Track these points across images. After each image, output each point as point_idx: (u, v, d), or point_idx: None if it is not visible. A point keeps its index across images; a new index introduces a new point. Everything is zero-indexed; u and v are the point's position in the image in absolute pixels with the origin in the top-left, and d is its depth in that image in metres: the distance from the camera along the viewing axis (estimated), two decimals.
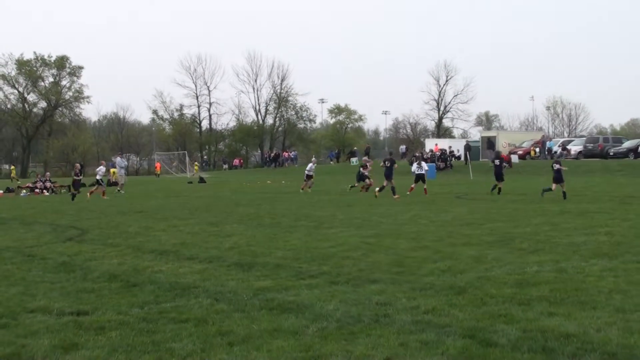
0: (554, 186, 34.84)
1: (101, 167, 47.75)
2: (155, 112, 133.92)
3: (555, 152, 72.22)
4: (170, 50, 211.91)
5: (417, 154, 50.03)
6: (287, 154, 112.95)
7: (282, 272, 13.89)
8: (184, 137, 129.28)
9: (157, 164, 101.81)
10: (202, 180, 72.05)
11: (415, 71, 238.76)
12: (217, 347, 8.55)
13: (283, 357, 8.11)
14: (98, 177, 45.82)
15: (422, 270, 13.65)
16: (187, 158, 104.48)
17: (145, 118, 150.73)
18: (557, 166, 35.20)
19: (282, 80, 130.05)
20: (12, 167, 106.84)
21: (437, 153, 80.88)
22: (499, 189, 38.45)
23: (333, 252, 16.45)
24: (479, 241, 17.90)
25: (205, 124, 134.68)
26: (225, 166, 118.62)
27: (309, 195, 41.96)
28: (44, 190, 53.71)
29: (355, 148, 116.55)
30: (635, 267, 13.39)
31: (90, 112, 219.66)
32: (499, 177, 39.13)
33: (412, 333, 8.92)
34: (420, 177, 40.07)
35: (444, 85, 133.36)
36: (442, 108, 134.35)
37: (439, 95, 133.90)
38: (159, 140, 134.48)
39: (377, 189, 38.84)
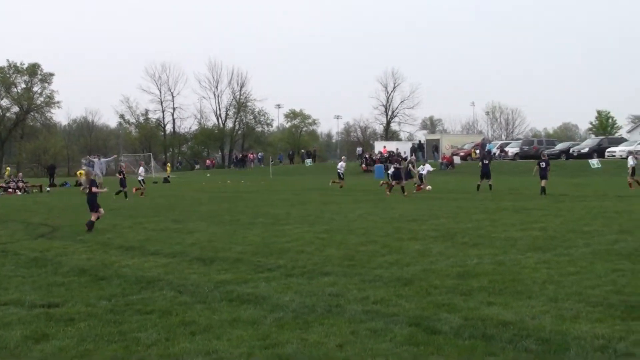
0: (481, 181, 35.65)
1: (141, 167, 47.34)
2: (122, 116, 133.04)
3: (494, 153, 72.73)
4: (137, 57, 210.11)
5: (412, 158, 50.05)
6: (252, 155, 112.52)
7: (241, 266, 13.86)
8: (149, 140, 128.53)
9: (123, 165, 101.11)
10: (166, 180, 71.59)
11: (365, 78, 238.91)
12: (180, 337, 8.51)
13: (242, 345, 8.09)
14: (140, 177, 45.42)
15: (372, 264, 13.69)
16: (152, 160, 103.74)
17: (112, 122, 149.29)
18: (486, 162, 36.28)
19: (242, 86, 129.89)
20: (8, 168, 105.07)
21: (385, 155, 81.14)
22: (490, 185, 38.73)
23: (288, 247, 16.44)
24: (424, 236, 17.98)
25: (169, 128, 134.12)
26: (197, 166, 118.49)
27: (274, 193, 41.91)
28: (17, 190, 53.04)
29: (314, 149, 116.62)
30: (567, 260, 13.53)
31: (61, 116, 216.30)
32: (487, 175, 39.46)
33: (362, 322, 8.94)
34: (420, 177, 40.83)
35: (392, 91, 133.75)
36: (389, 113, 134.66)
37: (387, 101, 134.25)
38: (126, 143, 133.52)
39: (388, 190, 38.69)
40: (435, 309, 9.57)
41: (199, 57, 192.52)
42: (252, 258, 14.90)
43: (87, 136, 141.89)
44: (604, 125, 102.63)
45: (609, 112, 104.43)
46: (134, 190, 43.33)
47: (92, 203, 22.18)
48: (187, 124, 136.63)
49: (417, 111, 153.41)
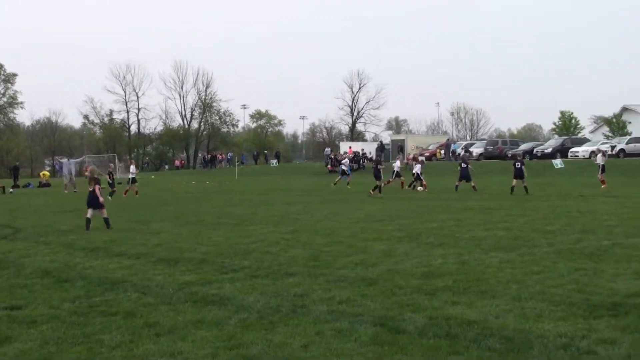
0: (459, 182, 36.01)
1: (132, 166, 46.91)
2: (86, 117, 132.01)
3: (459, 153, 73.04)
4: (101, 58, 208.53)
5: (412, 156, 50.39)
6: (221, 156, 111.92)
7: (206, 266, 13.82)
8: (114, 140, 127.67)
9: (87, 167, 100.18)
10: (134, 180, 71.02)
11: (331, 79, 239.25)
12: (145, 338, 8.46)
13: (207, 346, 8.07)
14: (131, 175, 44.95)
15: (337, 264, 13.70)
16: (116, 160, 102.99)
17: (76, 123, 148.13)
18: (464, 165, 36.52)
19: (207, 87, 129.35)
20: None
21: (351, 155, 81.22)
22: (473, 187, 38.98)
23: (253, 248, 16.41)
24: (389, 236, 18.03)
25: (134, 128, 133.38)
26: (167, 167, 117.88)
27: (254, 195, 41.82)
28: None
29: (278, 149, 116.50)
30: (531, 259, 13.62)
31: (24, 117, 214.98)
32: (467, 178, 39.64)
33: (327, 322, 8.95)
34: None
35: (357, 92, 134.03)
36: (355, 113, 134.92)
37: (353, 101, 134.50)
38: (90, 144, 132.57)
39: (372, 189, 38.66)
40: (399, 309, 9.59)
41: (164, 57, 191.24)
42: (216, 259, 14.85)
43: (51, 137, 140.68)
44: (567, 125, 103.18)
45: (572, 113, 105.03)
46: (125, 193, 42.80)
47: (93, 201, 22.10)
48: (152, 125, 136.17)
49: (382, 112, 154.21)
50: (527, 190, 34.71)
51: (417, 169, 42.03)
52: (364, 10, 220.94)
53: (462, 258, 14.06)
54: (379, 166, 39.21)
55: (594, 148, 67.89)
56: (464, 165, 40.09)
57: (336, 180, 47.54)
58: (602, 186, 38.06)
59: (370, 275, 12.27)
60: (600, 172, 39.24)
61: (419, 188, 41.11)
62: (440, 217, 22.84)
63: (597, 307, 9.38)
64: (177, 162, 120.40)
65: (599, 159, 39.96)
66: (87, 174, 22.81)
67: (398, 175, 44.29)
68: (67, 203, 37.18)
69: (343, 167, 48.28)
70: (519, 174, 35.55)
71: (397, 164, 45.75)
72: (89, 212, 22.06)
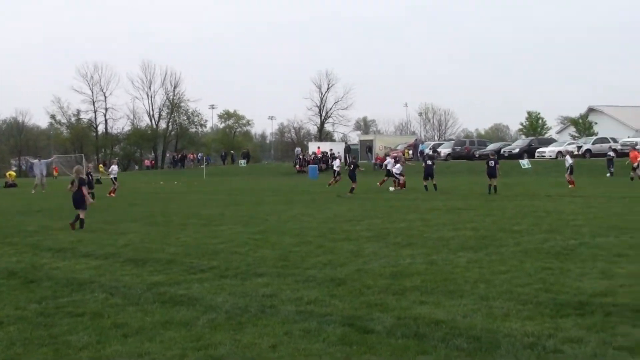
0: (425, 182, 36.40)
1: (114, 166, 46.34)
2: (53, 117, 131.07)
3: (427, 154, 73.33)
4: (69, 57, 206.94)
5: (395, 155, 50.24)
6: (193, 155, 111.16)
7: (174, 267, 13.77)
8: (81, 140, 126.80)
9: (56, 168, 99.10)
10: (98, 181, 70.61)
11: (300, 79, 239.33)
12: (112, 339, 8.42)
13: (175, 347, 8.04)
14: (112, 176, 44.40)
15: (305, 264, 13.71)
16: (83, 161, 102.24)
17: (43, 122, 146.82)
18: (429, 162, 37.04)
19: (175, 87, 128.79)
20: None
21: (319, 155, 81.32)
22: (435, 185, 39.23)
23: (222, 248, 16.38)
24: (358, 236, 18.06)
25: (101, 128, 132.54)
26: (137, 167, 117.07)
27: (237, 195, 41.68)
28: None
29: (246, 150, 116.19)
30: (498, 259, 13.71)
31: None
32: (432, 175, 39.84)
33: (295, 322, 8.95)
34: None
35: (326, 92, 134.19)
36: (323, 113, 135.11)
37: (321, 101, 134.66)
38: (57, 144, 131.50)
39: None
40: (368, 309, 9.61)
41: (132, 57, 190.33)
42: (185, 259, 14.81)
43: (17, 137, 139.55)
44: (534, 126, 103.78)
45: (538, 113, 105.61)
46: (111, 193, 42.43)
47: (79, 201, 22.22)
48: (120, 125, 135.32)
49: (350, 112, 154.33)
50: (495, 190, 34.95)
51: (396, 169, 41.88)
52: (333, 9, 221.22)
53: (430, 258, 14.12)
54: (357, 168, 39.58)
55: (561, 148, 68.47)
56: (429, 162, 40.25)
57: (331, 181, 46.89)
58: (570, 186, 38.41)
59: (339, 275, 12.28)
60: (569, 172, 39.51)
61: (391, 188, 41.17)
62: (408, 217, 22.91)
63: (564, 306, 9.45)
64: (147, 162, 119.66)
65: (569, 160, 40.25)
66: (73, 175, 22.98)
67: (338, 174, 45.50)
68: (34, 203, 36.87)
69: (336, 167, 47.49)
70: (492, 173, 35.80)
71: (336, 163, 46.56)
72: (82, 214, 22.13)
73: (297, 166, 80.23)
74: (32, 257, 15.72)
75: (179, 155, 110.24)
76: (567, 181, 39.38)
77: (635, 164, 45.14)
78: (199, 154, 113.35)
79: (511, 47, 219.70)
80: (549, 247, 15.16)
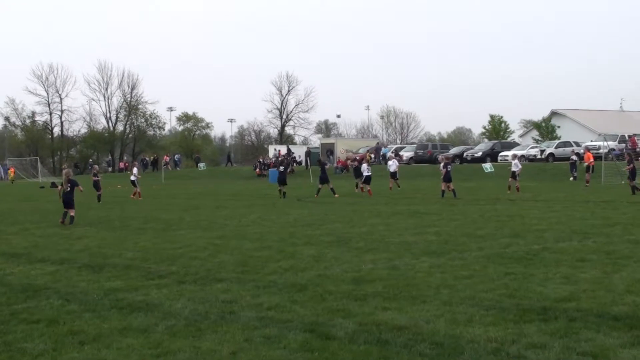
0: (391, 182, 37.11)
1: (135, 168, 45.38)
2: (7, 118, 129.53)
3: (388, 157, 73.56)
4: (23, 58, 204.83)
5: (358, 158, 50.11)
6: (167, 157, 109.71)
7: (132, 272, 13.70)
8: (36, 143, 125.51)
9: (11, 169, 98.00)
10: (54, 185, 69.99)
11: (259, 81, 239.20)
12: (69, 346, 8.36)
13: (133, 354, 8.00)
14: (133, 177, 43.76)
15: (266, 269, 13.70)
16: (39, 164, 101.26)
17: None
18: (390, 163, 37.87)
19: (132, 89, 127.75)
20: None
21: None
22: (398, 184, 40.59)
23: (181, 253, 16.32)
24: (319, 241, 18.07)
25: (57, 131, 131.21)
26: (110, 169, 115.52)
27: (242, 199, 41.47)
28: None
29: (197, 154, 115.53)
30: (461, 264, 13.79)
31: None
32: (394, 175, 41.78)
33: (256, 329, 8.94)
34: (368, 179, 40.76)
35: (286, 95, 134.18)
36: (284, 116, 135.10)
37: (282, 104, 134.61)
38: (11, 147, 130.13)
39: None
40: (330, 315, 9.63)
41: (88, 58, 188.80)
42: (143, 264, 14.74)
43: None
44: (497, 129, 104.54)
45: (501, 117, 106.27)
46: (135, 195, 42.08)
47: (69, 201, 24.93)
48: (76, 127, 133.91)
49: (311, 115, 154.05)
50: (454, 194, 35.20)
51: (366, 171, 41.79)
52: (294, 10, 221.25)
53: (393, 263, 14.17)
54: (325, 167, 40.19)
55: (523, 152, 69.03)
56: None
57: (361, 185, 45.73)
58: (508, 191, 39.14)
59: (300, 281, 12.29)
60: (512, 177, 39.77)
61: (358, 190, 41.35)
62: (370, 222, 22.98)
63: (527, 311, 9.53)
64: (121, 164, 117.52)
65: (518, 165, 40.63)
66: (63, 177, 25.81)
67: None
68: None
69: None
70: (447, 178, 36.12)
71: (364, 168, 46.31)
72: (72, 212, 24.72)
73: (257, 170, 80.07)
74: None
75: (152, 158, 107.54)
76: (508, 186, 39.40)
77: (587, 164, 45.57)
78: (176, 156, 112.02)
79: (473, 49, 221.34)
80: (512, 252, 15.27)
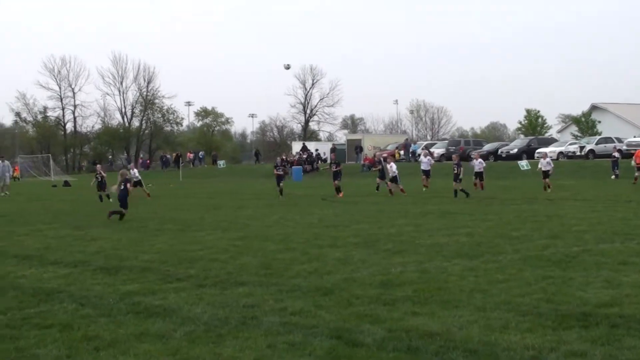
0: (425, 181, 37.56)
1: (135, 170, 45.48)
2: (18, 114, 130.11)
3: (419, 154, 73.40)
4: (34, 51, 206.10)
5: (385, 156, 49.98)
6: (190, 154, 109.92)
7: (149, 275, 13.74)
8: (48, 139, 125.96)
9: (16, 167, 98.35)
10: (66, 183, 70.43)
11: (282, 74, 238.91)
12: (83, 352, 8.40)
13: None
14: (137, 177, 43.92)
15: (290, 272, 13.70)
16: (51, 161, 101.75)
17: (7, 120, 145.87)
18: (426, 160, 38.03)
19: (149, 82, 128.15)
20: None
21: (304, 156, 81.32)
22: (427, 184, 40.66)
23: (200, 255, 16.35)
24: (345, 243, 18.06)
25: (70, 127, 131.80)
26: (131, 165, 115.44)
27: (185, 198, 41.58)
28: None
29: (214, 153, 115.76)
30: (495, 267, 13.73)
31: None
32: (427, 173, 42.50)
33: (279, 334, 8.94)
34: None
35: (310, 88, 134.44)
36: (308, 111, 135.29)
37: (305, 98, 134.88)
38: (22, 143, 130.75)
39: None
40: (357, 320, 9.61)
41: (102, 50, 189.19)
42: (160, 267, 14.78)
43: None
44: (533, 124, 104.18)
45: (538, 111, 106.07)
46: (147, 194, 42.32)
47: (124, 200, 26.72)
48: (90, 123, 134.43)
49: (337, 110, 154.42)
50: (467, 194, 35.34)
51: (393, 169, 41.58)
52: (317, 1, 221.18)
53: (423, 266, 14.12)
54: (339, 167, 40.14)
55: (562, 148, 68.65)
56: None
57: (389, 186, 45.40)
58: (476, 188, 39.81)
59: (326, 285, 12.28)
60: (475, 177, 39.88)
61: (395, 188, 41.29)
62: (398, 222, 22.93)
63: (566, 317, 9.47)
64: (141, 162, 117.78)
65: (479, 165, 40.68)
66: (118, 177, 27.56)
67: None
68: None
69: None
70: (456, 178, 36.75)
71: (393, 167, 45.94)
72: (124, 211, 26.39)
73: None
74: None
75: (174, 155, 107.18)
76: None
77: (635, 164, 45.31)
78: (200, 153, 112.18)
79: (509, 42, 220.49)
80: (550, 254, 15.19)
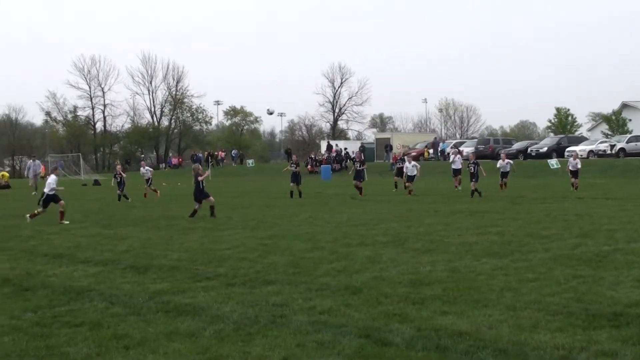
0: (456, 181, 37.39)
1: (147, 167, 45.67)
2: (48, 113, 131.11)
3: (448, 153, 73.19)
4: (64, 51, 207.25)
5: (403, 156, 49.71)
6: (222, 153, 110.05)
7: (178, 274, 13.78)
8: (78, 139, 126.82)
9: (43, 167, 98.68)
10: (96, 182, 70.76)
11: (310, 73, 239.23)
12: (113, 351, 8.43)
13: (179, 359, 8.05)
14: (149, 175, 44.18)
15: (318, 271, 13.70)
16: (81, 160, 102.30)
17: (38, 120, 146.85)
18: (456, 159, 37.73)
19: (178, 82, 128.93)
20: None
21: (333, 155, 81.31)
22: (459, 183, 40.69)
23: (229, 254, 16.38)
24: (374, 241, 18.04)
25: (99, 126, 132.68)
26: (162, 165, 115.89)
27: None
28: None
29: (242, 151, 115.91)
30: (525, 266, 13.67)
31: None
32: (458, 172, 42.04)
33: (308, 333, 8.94)
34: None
35: (339, 87, 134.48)
36: (337, 110, 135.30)
37: (334, 97, 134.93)
38: (53, 143, 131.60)
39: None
40: (386, 319, 9.60)
41: (131, 49, 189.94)
42: (189, 266, 14.82)
43: (10, 135, 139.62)
44: (563, 123, 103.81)
45: (568, 110, 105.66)
46: (157, 193, 42.54)
47: (199, 194, 27.25)
48: (119, 122, 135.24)
49: (366, 108, 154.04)
50: (480, 194, 35.17)
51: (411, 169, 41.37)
52: (345, 0, 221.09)
53: (452, 265, 14.09)
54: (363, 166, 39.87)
55: (592, 147, 68.21)
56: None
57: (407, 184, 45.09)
58: (502, 189, 39.49)
59: (354, 283, 12.27)
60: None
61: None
62: (428, 221, 22.88)
63: (597, 317, 9.41)
64: (174, 160, 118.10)
65: (458, 162, 40.45)
66: (193, 172, 28.27)
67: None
68: (28, 206, 36.93)
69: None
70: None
71: (456, 161, 45.20)
72: (209, 202, 27.04)
73: (309, 166, 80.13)
74: (26, 264, 15.76)
75: (207, 153, 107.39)
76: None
77: None
78: (233, 151, 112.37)
79: (538, 39, 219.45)
80: (581, 254, 15.11)
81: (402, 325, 9.21)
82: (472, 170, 36.35)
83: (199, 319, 9.88)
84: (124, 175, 40.02)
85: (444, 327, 9.04)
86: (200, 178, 27.21)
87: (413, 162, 40.98)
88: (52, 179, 26.72)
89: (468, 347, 8.19)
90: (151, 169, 46.18)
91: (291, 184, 38.91)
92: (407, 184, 39.91)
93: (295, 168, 38.90)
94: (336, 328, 9.16)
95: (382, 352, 8.09)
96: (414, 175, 39.82)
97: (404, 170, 40.78)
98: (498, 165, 41.26)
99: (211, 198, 27.21)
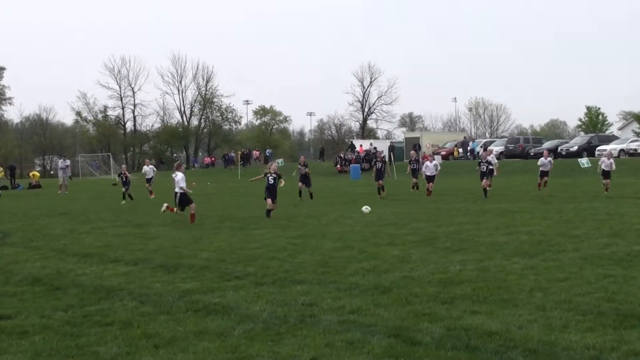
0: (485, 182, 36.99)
1: (151, 166, 46.08)
2: (78, 113, 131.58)
3: (478, 152, 72.95)
4: (94, 51, 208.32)
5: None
6: (257, 152, 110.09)
7: (208, 273, 13.83)
8: (108, 138, 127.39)
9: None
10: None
11: (340, 72, 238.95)
12: (143, 350, 8.47)
13: (209, 358, 8.08)
14: (151, 175, 44.67)
15: (347, 270, 13.71)
16: (111, 160, 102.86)
17: (68, 120, 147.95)
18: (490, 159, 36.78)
19: (207, 81, 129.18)
20: None
21: (362, 154, 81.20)
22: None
23: (259, 253, 16.42)
24: (403, 241, 18.02)
25: (129, 126, 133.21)
26: (196, 166, 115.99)
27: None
28: None
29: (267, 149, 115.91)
30: (555, 265, 13.61)
31: (13, 114, 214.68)
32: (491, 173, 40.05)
33: (337, 333, 8.95)
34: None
35: (368, 86, 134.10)
36: (366, 109, 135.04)
37: (363, 96, 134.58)
38: (83, 142, 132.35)
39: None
40: (415, 319, 9.59)
41: (161, 50, 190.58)
42: (219, 265, 14.87)
43: (41, 135, 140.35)
44: (594, 122, 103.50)
45: (599, 108, 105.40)
46: (151, 194, 42.67)
47: (272, 192, 26.83)
48: (149, 122, 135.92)
49: (395, 107, 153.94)
50: (485, 194, 34.62)
51: (430, 169, 40.98)
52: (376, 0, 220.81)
53: (482, 264, 14.06)
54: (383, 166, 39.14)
55: (623, 146, 67.71)
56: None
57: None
58: (540, 188, 38.86)
59: (384, 283, 12.27)
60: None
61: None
62: (458, 221, 22.83)
63: (628, 316, 9.37)
64: (207, 160, 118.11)
65: (547, 164, 39.63)
66: (270, 170, 27.81)
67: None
68: (58, 205, 37.21)
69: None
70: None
71: (493, 160, 44.65)
72: (269, 203, 26.28)
73: (338, 166, 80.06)
74: (57, 263, 15.88)
75: (241, 153, 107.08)
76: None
77: None
78: (267, 151, 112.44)
79: (569, 37, 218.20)
80: (611, 253, 15.03)
81: (431, 325, 9.21)
82: (484, 170, 35.73)
83: (228, 318, 9.91)
84: (128, 175, 41.12)
85: (474, 327, 9.02)
86: (281, 184, 27.47)
87: (435, 162, 40.30)
88: (179, 177, 25.86)
89: (498, 347, 8.17)
90: (154, 169, 46.51)
91: (300, 184, 38.79)
92: (427, 184, 39.09)
93: (304, 170, 38.76)
94: (365, 327, 9.17)
95: (412, 352, 8.08)
96: (434, 175, 39.06)
97: (423, 169, 40.25)
98: (539, 163, 40.25)
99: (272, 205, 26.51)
